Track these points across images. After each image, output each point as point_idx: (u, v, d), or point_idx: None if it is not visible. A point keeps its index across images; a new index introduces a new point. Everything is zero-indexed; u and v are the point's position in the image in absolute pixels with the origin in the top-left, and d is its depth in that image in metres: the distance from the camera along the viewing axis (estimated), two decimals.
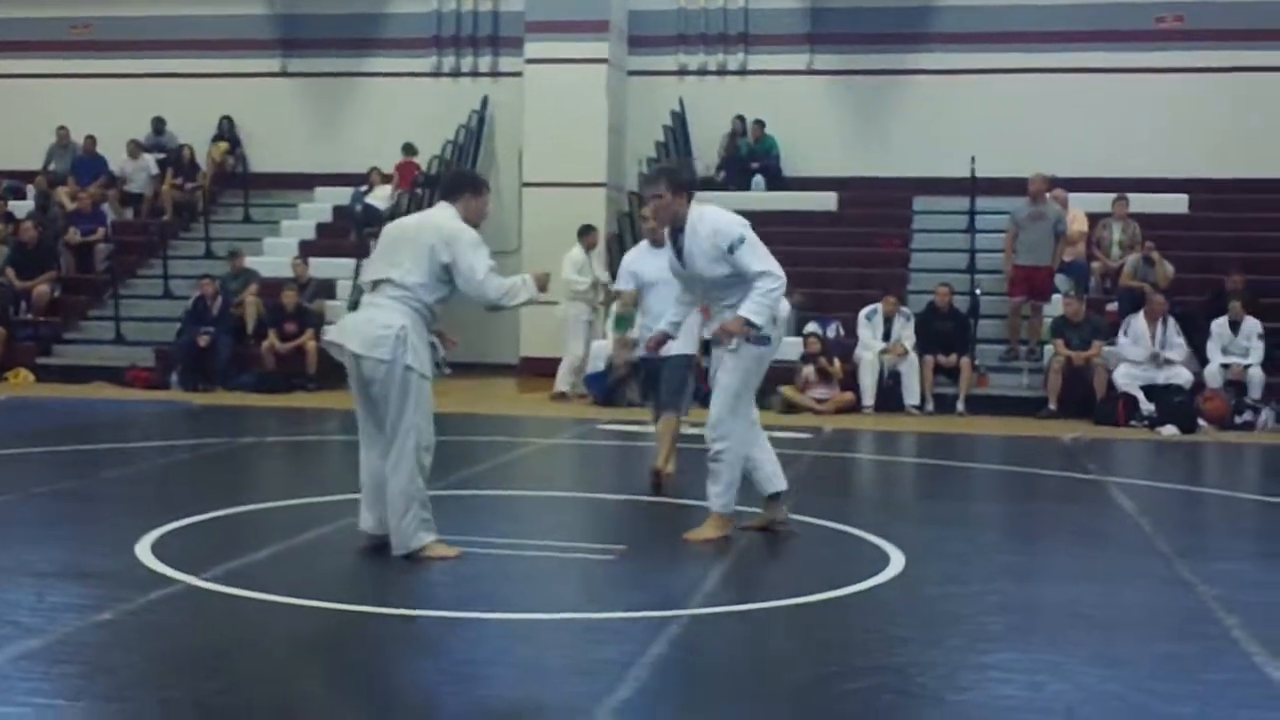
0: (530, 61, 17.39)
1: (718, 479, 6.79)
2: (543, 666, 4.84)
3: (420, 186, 17.24)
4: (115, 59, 19.47)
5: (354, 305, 6.32)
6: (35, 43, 19.70)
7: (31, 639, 4.84)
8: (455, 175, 6.49)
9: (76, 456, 10.01)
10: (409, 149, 17.84)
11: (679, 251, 6.76)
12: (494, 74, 18.79)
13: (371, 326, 6.10)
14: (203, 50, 19.30)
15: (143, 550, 6.29)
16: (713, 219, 6.65)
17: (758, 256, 6.57)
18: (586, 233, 15.36)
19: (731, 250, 6.55)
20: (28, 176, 18.97)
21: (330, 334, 6.49)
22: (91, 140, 18.94)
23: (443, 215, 6.30)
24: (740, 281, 6.57)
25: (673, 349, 8.07)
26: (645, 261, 8.45)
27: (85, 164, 18.93)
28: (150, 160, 18.94)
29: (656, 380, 8.56)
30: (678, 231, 6.69)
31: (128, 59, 19.43)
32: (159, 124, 19.33)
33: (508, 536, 6.84)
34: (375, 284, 6.20)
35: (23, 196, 18.79)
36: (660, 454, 8.36)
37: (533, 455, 11.08)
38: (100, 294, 17.22)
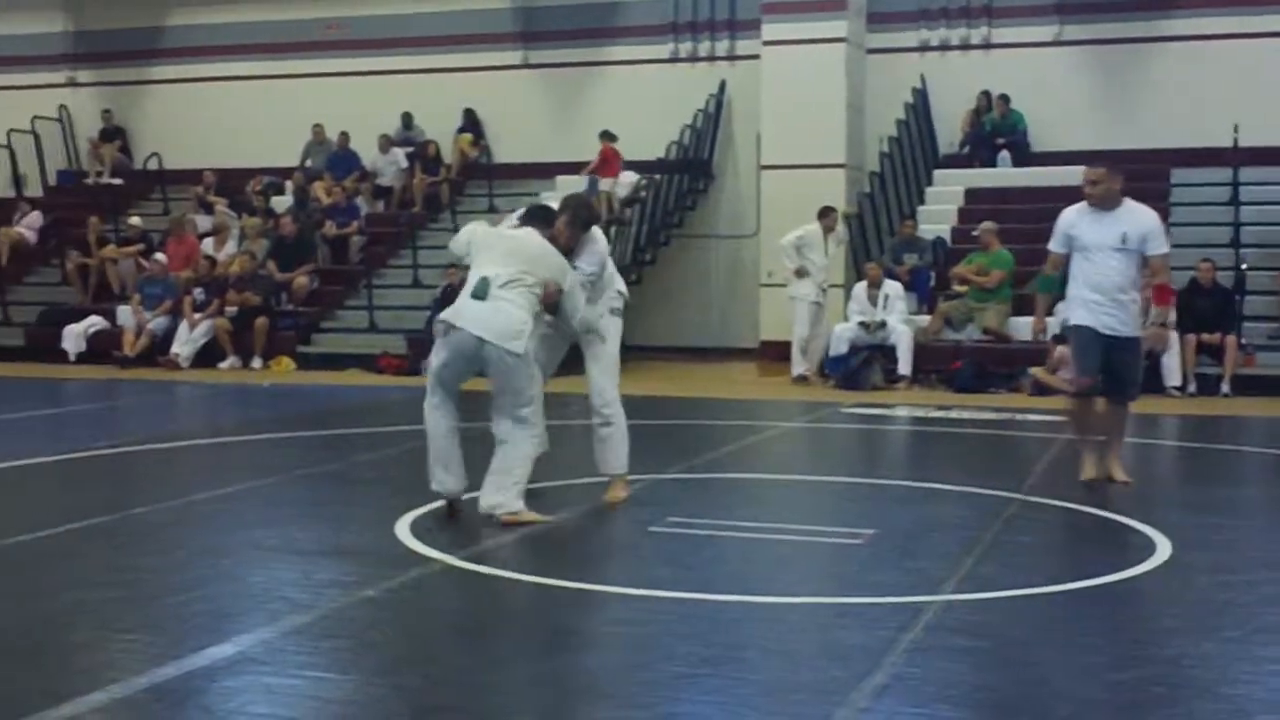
0: (768, 43, 17.29)
1: (614, 443, 7.24)
2: (793, 651, 4.78)
3: (660, 172, 17.29)
4: (366, 57, 20.13)
5: (480, 295, 6.65)
6: (291, 44, 20.53)
7: (300, 614, 5.01)
8: (538, 208, 7.24)
9: (335, 440, 10.38)
10: (607, 135, 17.72)
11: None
12: (731, 58, 18.73)
13: (509, 321, 6.60)
14: (448, 45, 19.80)
15: (401, 529, 6.48)
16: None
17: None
18: (826, 214, 15.27)
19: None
20: (286, 173, 19.77)
21: (450, 316, 6.73)
22: (345, 136, 19.64)
23: (536, 236, 6.91)
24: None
25: (1124, 331, 7.85)
26: (1086, 225, 7.89)
27: (339, 159, 19.65)
28: (400, 154, 19.53)
29: (1109, 366, 7.90)
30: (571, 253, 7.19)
31: (377, 57, 20.08)
32: (408, 119, 19.90)
33: (752, 520, 6.80)
34: (507, 282, 6.65)
35: (282, 192, 19.62)
36: (1113, 455, 8.06)
37: (775, 439, 11.01)
38: (355, 284, 17.85)
